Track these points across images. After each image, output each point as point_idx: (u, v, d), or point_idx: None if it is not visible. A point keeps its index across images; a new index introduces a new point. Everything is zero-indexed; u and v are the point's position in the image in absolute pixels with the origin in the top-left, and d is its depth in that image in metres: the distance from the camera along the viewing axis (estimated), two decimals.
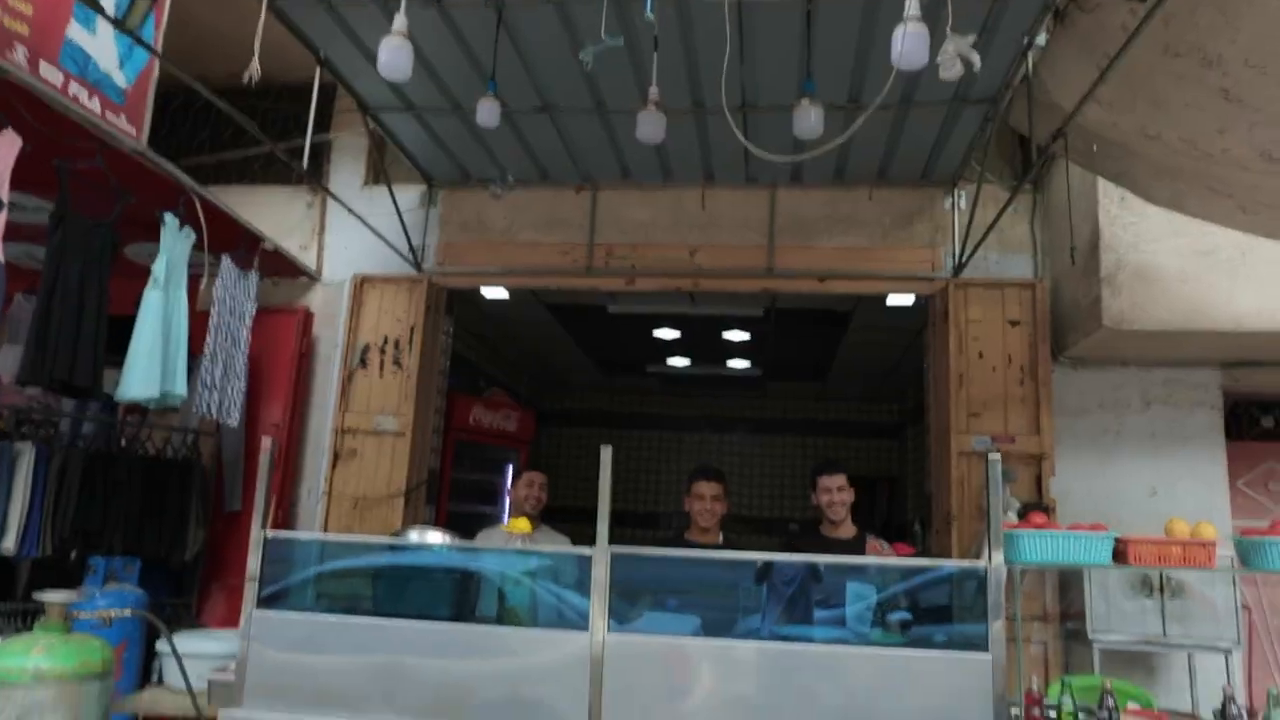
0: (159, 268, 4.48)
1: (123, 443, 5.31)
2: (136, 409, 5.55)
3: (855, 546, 4.14)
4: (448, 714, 3.08)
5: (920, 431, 6.52)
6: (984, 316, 5.12)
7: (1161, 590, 4.64)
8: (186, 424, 5.63)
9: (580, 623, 3.07)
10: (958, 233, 5.31)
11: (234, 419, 5.10)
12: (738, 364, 8.69)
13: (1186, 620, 4.59)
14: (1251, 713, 3.10)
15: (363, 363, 5.54)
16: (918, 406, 6.85)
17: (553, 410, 10.23)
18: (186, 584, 5.62)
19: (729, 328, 7.38)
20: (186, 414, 5.60)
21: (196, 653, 3.69)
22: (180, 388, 4.55)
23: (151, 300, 4.44)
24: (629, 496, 10.00)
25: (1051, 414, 5.00)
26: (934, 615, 3.24)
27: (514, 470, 4.74)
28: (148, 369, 4.33)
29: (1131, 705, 3.32)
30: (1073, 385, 5.24)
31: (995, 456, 2.79)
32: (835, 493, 4.13)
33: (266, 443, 3.26)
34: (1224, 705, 2.89)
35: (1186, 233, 4.42)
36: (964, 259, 5.09)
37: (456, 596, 3.31)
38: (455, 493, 6.28)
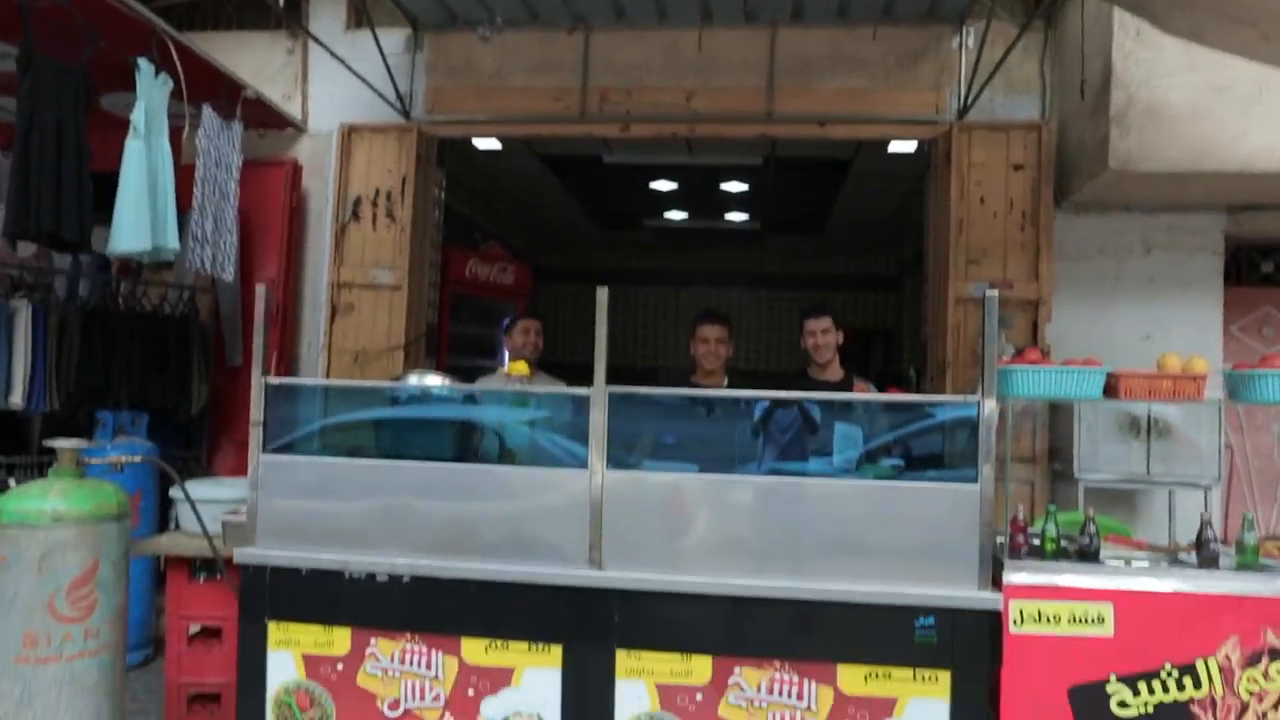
0: (137, 116, 4.34)
1: (119, 301, 5.30)
2: (130, 268, 5.52)
3: (842, 388, 4.20)
4: (452, 551, 3.21)
5: (918, 283, 6.51)
6: (987, 160, 5.01)
7: (1148, 431, 4.75)
8: (182, 281, 5.61)
9: (579, 463, 3.15)
10: (964, 73, 5.11)
11: (229, 274, 5.08)
12: (736, 217, 8.57)
13: (1170, 460, 4.72)
14: (1226, 541, 3.24)
15: (355, 215, 5.46)
16: (916, 258, 6.82)
17: (549, 267, 10.17)
18: (195, 438, 5.75)
19: (727, 179, 7.23)
20: (181, 271, 5.57)
21: (208, 498, 3.80)
22: (172, 241, 4.50)
23: (133, 150, 4.33)
24: (627, 352, 10.08)
25: (1051, 260, 4.97)
26: (926, 449, 3.32)
27: (510, 322, 4.76)
28: (136, 221, 4.27)
29: (1111, 535, 3.45)
30: (1074, 231, 5.19)
31: (992, 292, 2.79)
32: (820, 335, 4.16)
33: (261, 290, 3.25)
34: (1201, 529, 3.01)
35: (1203, 67, 4.25)
36: (969, 100, 4.93)
37: (458, 440, 3.39)
38: (454, 347, 6.32)
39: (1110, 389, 3.01)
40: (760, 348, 10.06)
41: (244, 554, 3.31)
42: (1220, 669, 2.84)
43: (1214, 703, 2.84)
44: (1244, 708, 2.83)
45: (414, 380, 3.46)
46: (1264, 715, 2.82)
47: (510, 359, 4.37)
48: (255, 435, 3.29)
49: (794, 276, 10.13)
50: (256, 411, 3.30)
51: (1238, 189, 4.72)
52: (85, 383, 4.92)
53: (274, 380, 3.32)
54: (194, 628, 4.02)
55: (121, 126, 4.36)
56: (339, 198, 5.47)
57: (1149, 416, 4.72)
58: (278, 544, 3.30)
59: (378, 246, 5.43)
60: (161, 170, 4.48)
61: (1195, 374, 2.90)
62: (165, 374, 5.35)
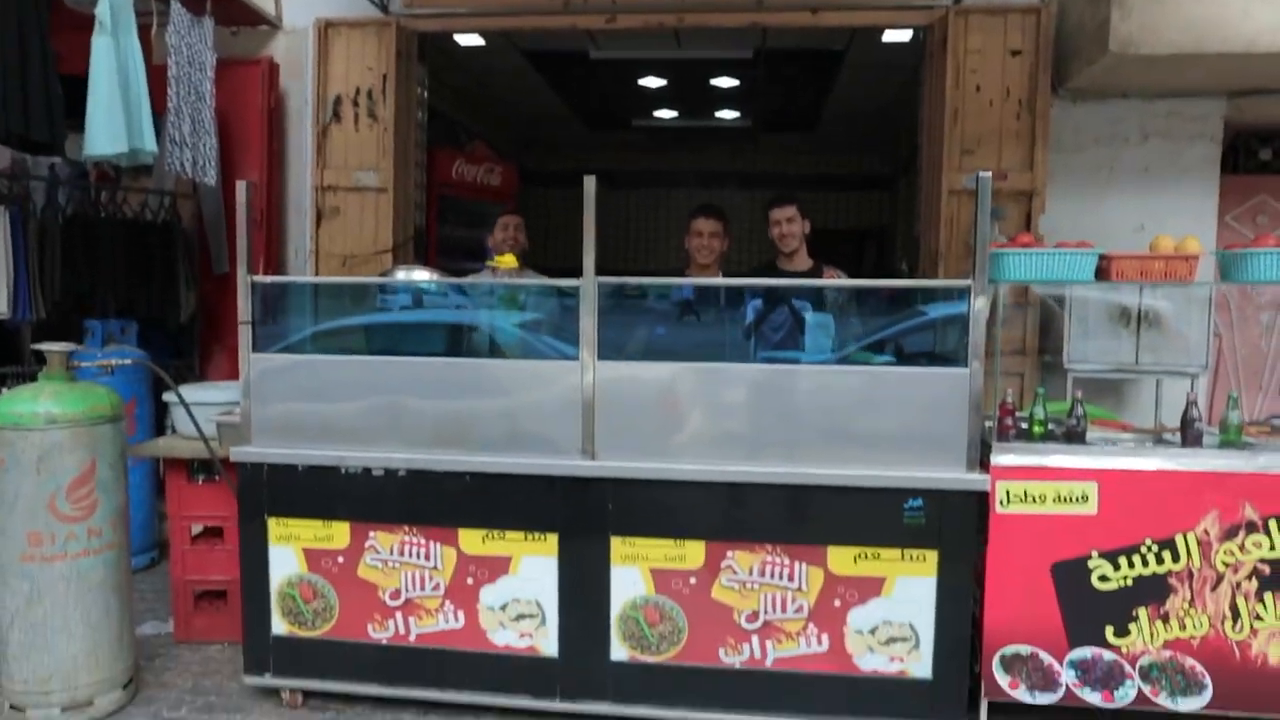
0: (102, 10, 4.18)
1: (99, 209, 5.20)
2: (109, 176, 5.40)
3: (811, 277, 4.17)
4: (446, 445, 3.24)
5: (911, 181, 6.41)
6: (984, 46, 4.86)
7: (1138, 322, 4.77)
8: (162, 186, 5.50)
9: (571, 355, 3.16)
10: None
11: (210, 177, 4.98)
12: (726, 114, 8.38)
13: (1159, 350, 4.74)
14: (1211, 425, 3.29)
15: (336, 116, 5.31)
16: (910, 156, 6.70)
17: (537, 171, 9.98)
18: (185, 346, 5.73)
19: (717, 74, 7.04)
20: (161, 176, 5.46)
21: (202, 401, 3.82)
22: (149, 144, 4.39)
23: (101, 47, 4.18)
24: (618, 255, 9.99)
25: (1047, 150, 4.88)
26: (917, 339, 3.33)
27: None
28: (110, 122, 4.15)
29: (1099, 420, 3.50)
30: (1070, 120, 5.09)
31: (985, 173, 2.74)
32: (785, 224, 4.09)
33: (241, 186, 3.18)
34: (1186, 409, 3.05)
35: None
36: None
37: (448, 335, 3.38)
38: (442, 250, 6.25)
39: (1102, 272, 3.00)
40: (753, 249, 9.94)
41: (240, 453, 3.34)
42: (1199, 543, 2.92)
43: (1190, 574, 2.93)
44: (1219, 579, 2.93)
45: (402, 275, 3.43)
46: (1238, 585, 2.92)
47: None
48: (245, 334, 3.28)
49: (786, 176, 9.96)
50: (245, 311, 3.28)
51: (1240, 72, 4.61)
52: (71, 291, 4.87)
53: (261, 278, 3.29)
54: (196, 528, 4.10)
55: (87, 25, 4.20)
56: (318, 97, 5.31)
57: (1139, 307, 4.73)
58: (273, 442, 3.33)
59: (361, 147, 5.30)
60: (132, 69, 4.34)
61: (1187, 254, 2.89)
62: (151, 282, 5.30)
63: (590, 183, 2.97)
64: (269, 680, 3.40)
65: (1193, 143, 5.06)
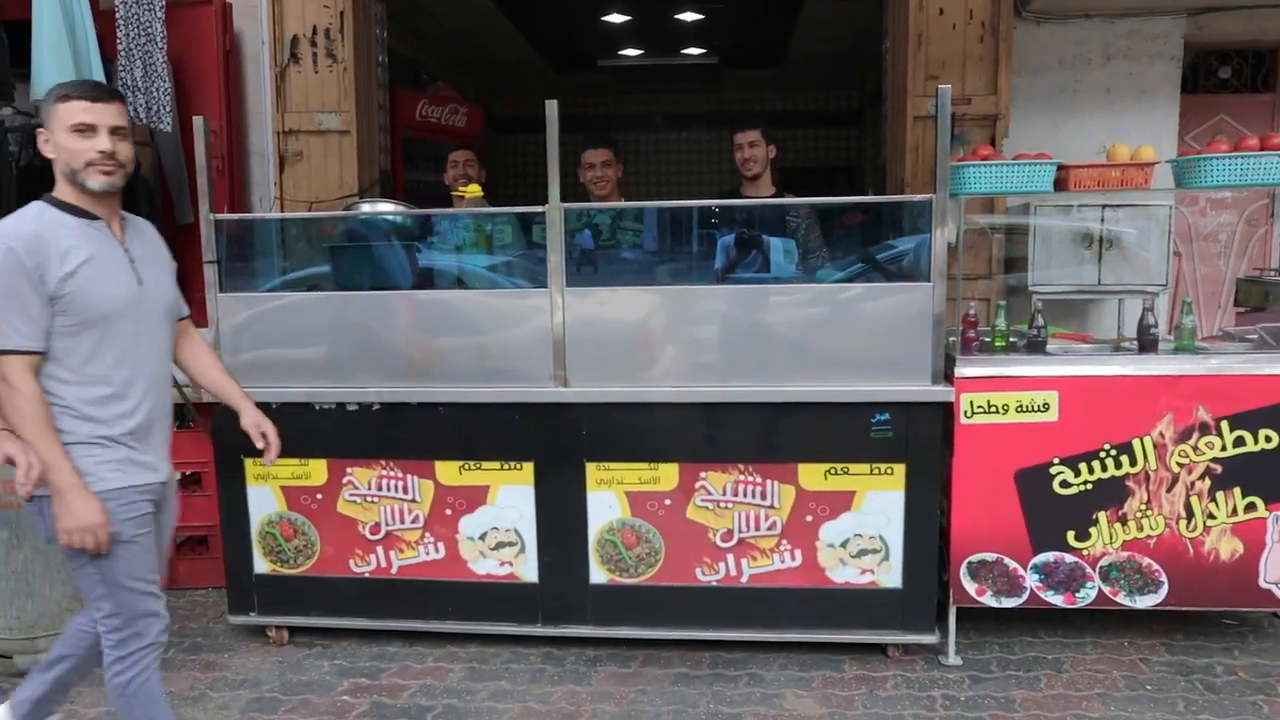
0: None
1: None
2: None
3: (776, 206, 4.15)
4: (419, 378, 3.26)
5: (879, 116, 6.40)
6: None
7: (1100, 244, 4.85)
8: None
9: (539, 284, 3.17)
10: None
11: (166, 123, 4.87)
12: (692, 51, 8.28)
13: (1120, 269, 4.85)
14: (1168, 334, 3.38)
15: (294, 57, 5.20)
16: (876, 90, 6.67)
17: (503, 117, 9.85)
18: None
19: (681, 8, 6.94)
20: None
21: None
22: None
23: None
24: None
25: (1010, 73, 4.89)
26: (881, 256, 3.37)
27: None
28: (58, 65, 4.05)
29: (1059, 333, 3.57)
30: (1034, 41, 5.10)
31: (945, 87, 2.76)
32: (747, 148, 4.02)
33: (198, 122, 3.13)
34: (1142, 316, 3.12)
35: None
36: None
37: (415, 268, 3.37)
38: (410, 195, 6.15)
39: (1060, 183, 3.04)
40: (723, 187, 9.94)
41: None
42: (1155, 445, 3.01)
43: (1147, 476, 3.03)
44: (1174, 479, 3.03)
45: (366, 208, 3.41)
46: (1191, 485, 3.02)
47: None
48: (210, 274, 3.26)
49: (755, 115, 9.89)
50: (210, 250, 3.25)
51: None
52: None
53: (223, 216, 3.26)
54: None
55: None
56: (274, 38, 5.19)
57: (1101, 229, 4.81)
58: (246, 381, 3.29)
59: (321, 89, 5.21)
60: (78, 11, 4.22)
61: (1143, 161, 2.93)
62: None
63: (552, 107, 2.95)
64: (254, 619, 3.45)
65: (1153, 62, 5.09)
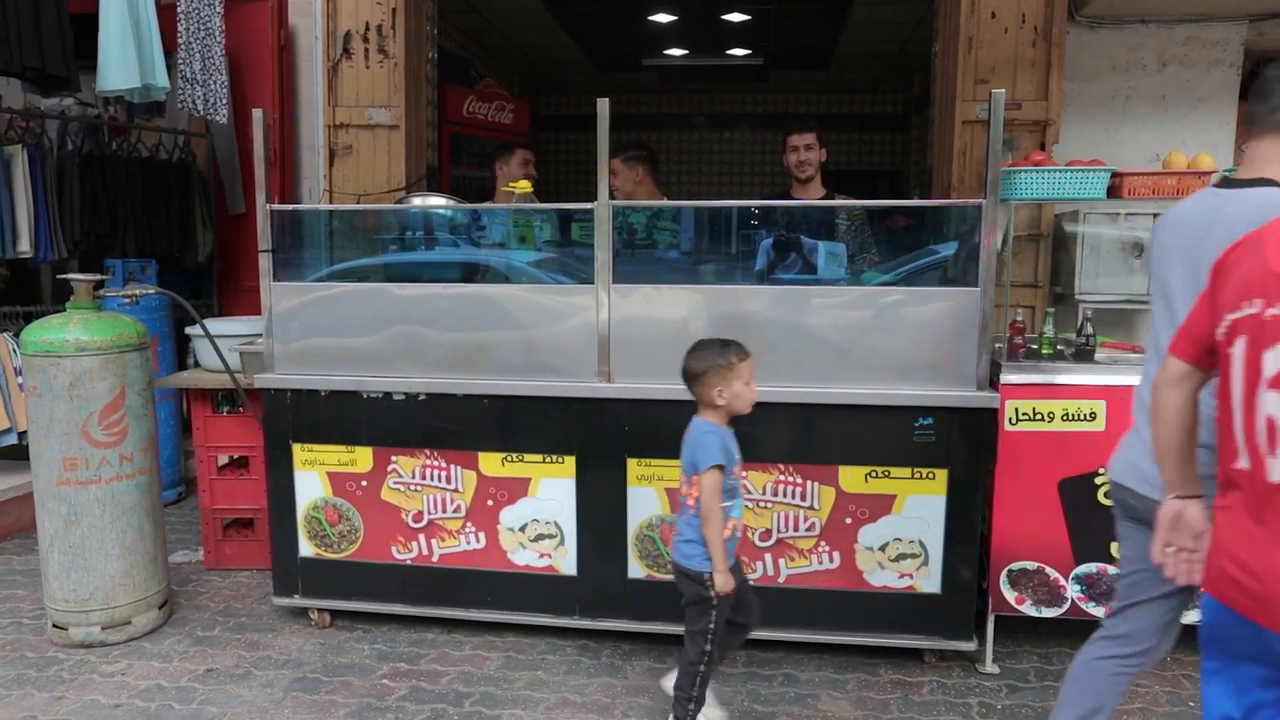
0: None
1: (112, 145, 5.24)
2: (119, 122, 5.42)
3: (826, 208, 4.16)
4: (465, 369, 3.31)
5: (924, 120, 6.36)
6: None
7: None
8: (175, 125, 5.52)
9: (586, 280, 3.20)
10: None
11: (222, 115, 5.00)
12: (738, 52, 8.27)
13: None
14: None
15: (346, 52, 5.30)
16: (923, 95, 6.63)
17: (548, 115, 9.94)
18: (204, 287, 5.81)
19: (728, 9, 6.94)
20: (174, 115, 5.48)
21: (224, 333, 3.90)
22: (161, 79, 4.42)
23: None
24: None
25: (1062, 78, 4.84)
26: (930, 262, 3.35)
27: (498, 149, 4.69)
28: (123, 56, 4.18)
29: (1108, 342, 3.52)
30: (1086, 47, 5.03)
31: (999, 91, 2.74)
32: (803, 151, 4.05)
33: (257, 114, 3.21)
34: None
35: None
36: None
37: (466, 261, 3.42)
38: (455, 189, 6.24)
39: (1114, 190, 3.00)
40: (764, 192, 9.93)
41: (265, 379, 3.42)
42: None
43: None
44: None
45: (418, 202, 3.46)
46: None
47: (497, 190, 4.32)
48: (265, 262, 3.34)
49: (799, 117, 9.86)
50: (265, 239, 3.33)
51: None
52: (90, 231, 4.93)
53: (279, 206, 3.33)
54: (222, 459, 4.21)
55: None
56: (328, 33, 5.30)
57: (1151, 239, 4.73)
58: (296, 368, 3.41)
59: (372, 84, 5.30)
60: (142, 4, 4.34)
61: (1200, 170, 2.89)
62: (169, 220, 5.36)
63: (604, 105, 2.98)
64: (298, 601, 3.53)
65: (1211, 69, 5.00)
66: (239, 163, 5.59)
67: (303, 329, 3.40)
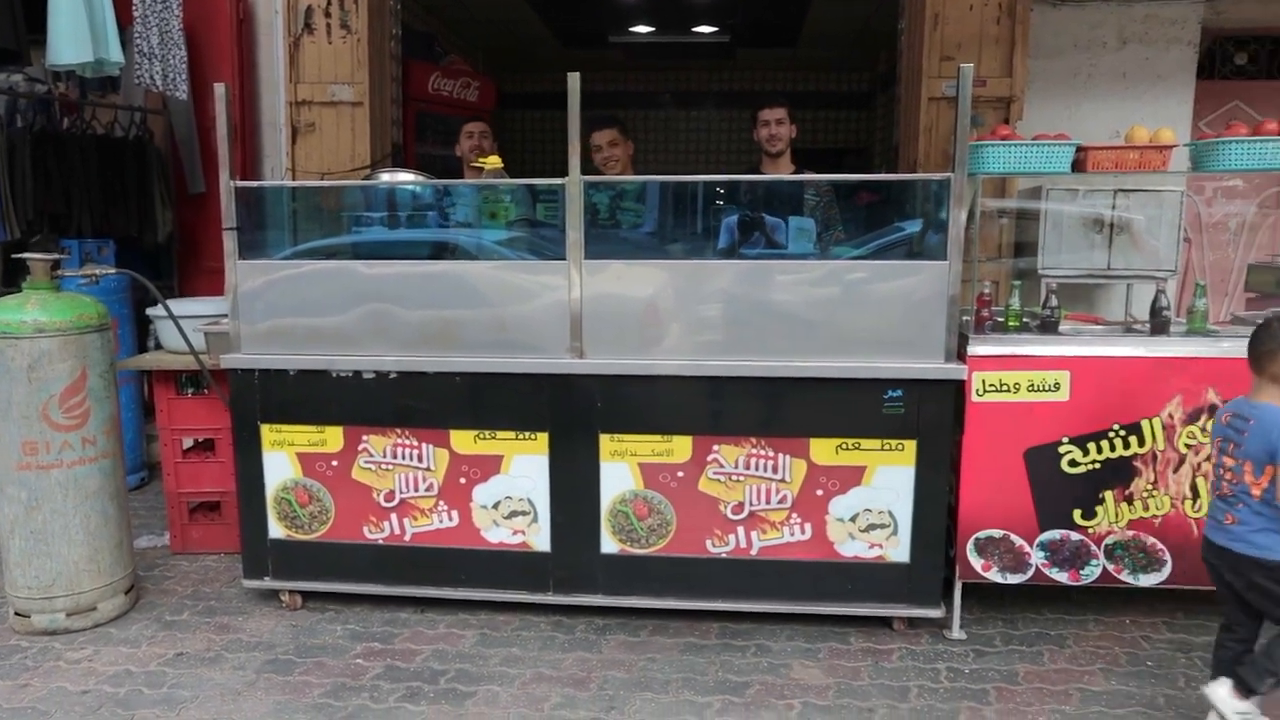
0: None
1: (64, 122, 5.09)
2: (71, 100, 5.27)
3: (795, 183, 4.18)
4: (436, 347, 3.29)
5: (890, 98, 6.39)
6: None
7: (1111, 229, 4.86)
8: (131, 102, 5.39)
9: (557, 255, 3.19)
10: None
11: (181, 91, 4.89)
12: (705, 29, 8.23)
13: (1129, 255, 4.86)
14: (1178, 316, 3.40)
15: (308, 27, 5.19)
16: (889, 73, 6.65)
17: (514, 93, 9.81)
18: (164, 268, 5.69)
19: None
20: (130, 91, 5.35)
21: (187, 314, 3.83)
22: (115, 54, 4.30)
23: None
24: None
25: (1026, 55, 4.88)
26: (897, 237, 3.38)
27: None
28: (74, 29, 4.06)
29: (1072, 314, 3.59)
30: (1049, 24, 5.09)
31: (967, 65, 2.76)
32: (774, 125, 4.06)
33: (220, 89, 3.14)
34: (1155, 299, 3.15)
35: None
36: None
37: (435, 238, 3.39)
38: (421, 167, 6.15)
39: (1078, 164, 3.05)
40: (731, 168, 9.92)
41: (231, 360, 3.37)
42: (1164, 426, 3.04)
43: (1154, 457, 3.07)
44: (1181, 460, 3.06)
45: (385, 177, 3.42)
46: (1198, 466, 3.06)
47: (466, 166, 4.26)
48: (230, 241, 3.28)
49: (765, 95, 9.86)
50: (229, 217, 3.27)
51: None
52: (44, 211, 4.80)
53: (243, 183, 3.27)
54: (188, 442, 4.15)
55: None
56: (288, 8, 5.18)
57: (1112, 214, 4.82)
58: (263, 348, 3.36)
59: (335, 60, 5.20)
60: None
61: (1162, 144, 2.94)
62: (126, 200, 5.23)
63: (574, 79, 2.96)
64: (268, 583, 3.50)
65: (1169, 47, 5.08)
66: (198, 140, 5.46)
67: (269, 308, 3.35)
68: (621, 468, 3.24)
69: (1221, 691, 2.51)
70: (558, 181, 3.08)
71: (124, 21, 4.54)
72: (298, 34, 5.21)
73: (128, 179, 5.21)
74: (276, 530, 3.46)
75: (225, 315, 3.50)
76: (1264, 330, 2.46)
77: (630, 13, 7.72)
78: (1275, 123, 2.95)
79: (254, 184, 3.45)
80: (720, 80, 10.06)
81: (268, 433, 3.40)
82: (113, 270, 3.76)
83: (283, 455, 3.41)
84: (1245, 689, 2.49)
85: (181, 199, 5.59)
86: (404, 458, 3.35)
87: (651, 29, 8.25)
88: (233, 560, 3.89)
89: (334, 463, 3.38)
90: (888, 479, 3.15)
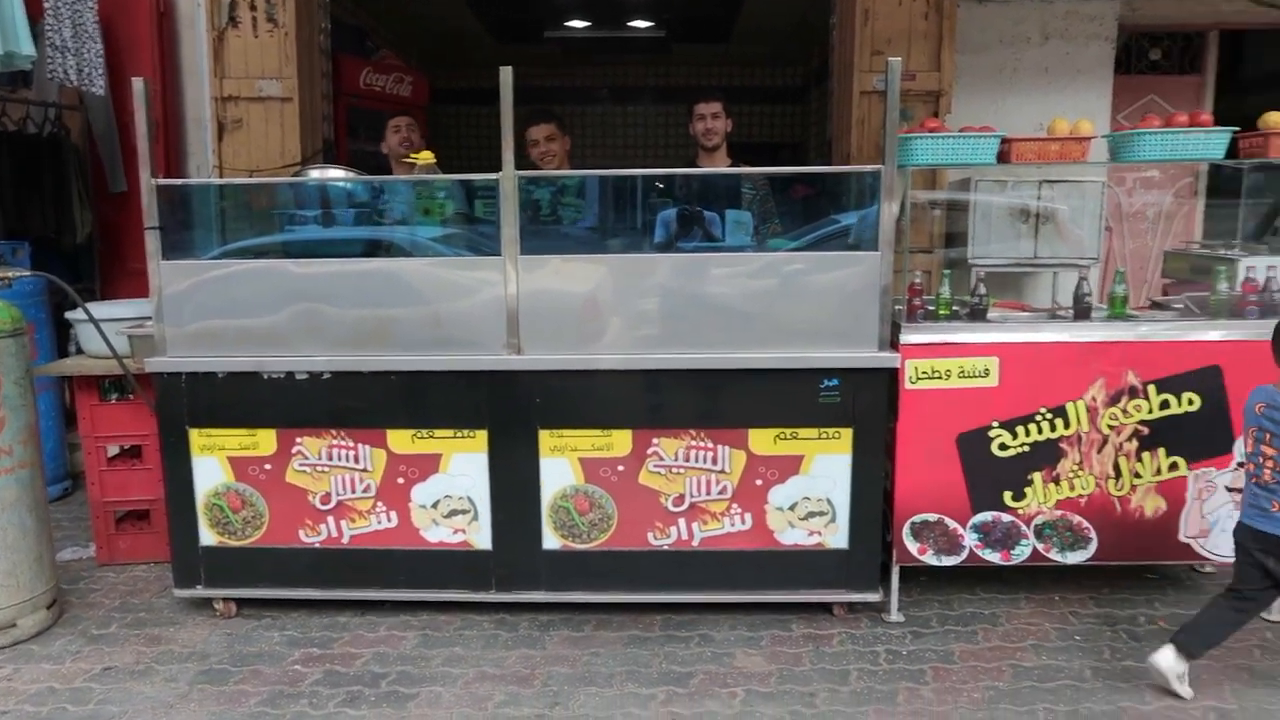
0: None
1: None
2: None
3: (731, 177, 4.22)
4: (371, 346, 3.23)
5: (824, 92, 6.48)
6: None
7: (1036, 218, 5.02)
8: (44, 98, 5.18)
9: (493, 251, 3.16)
10: None
11: (98, 86, 4.72)
12: (640, 24, 8.24)
13: (1055, 244, 5.02)
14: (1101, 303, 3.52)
15: (232, 20, 5.05)
16: (823, 67, 6.75)
17: (449, 89, 9.69)
18: (85, 270, 5.49)
19: None
20: (42, 86, 5.14)
21: (109, 316, 3.70)
22: (25, 47, 4.13)
23: None
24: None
25: (954, 50, 5.00)
26: (830, 228, 3.43)
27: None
28: None
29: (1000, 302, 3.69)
30: (975, 20, 5.22)
31: (895, 59, 2.81)
32: (710, 119, 4.10)
33: (139, 84, 3.04)
34: (1077, 285, 3.25)
35: None
36: None
37: (368, 235, 3.33)
38: (354, 164, 6.05)
39: (1003, 156, 3.13)
40: (669, 162, 9.96)
41: (156, 363, 3.26)
42: (1087, 409, 3.15)
43: (1079, 438, 3.17)
44: (1104, 441, 3.17)
45: (315, 174, 3.35)
46: (1120, 446, 3.17)
47: (394, 162, 4.19)
48: (153, 240, 3.17)
49: (701, 90, 9.92)
50: (151, 216, 3.16)
51: None
52: None
53: (165, 181, 3.17)
54: (113, 449, 4.01)
55: None
56: (212, 0, 5.04)
57: (1038, 205, 4.97)
58: (190, 351, 3.27)
59: (261, 54, 5.08)
60: None
61: (1081, 135, 3.04)
62: (42, 199, 5.03)
63: (506, 73, 2.93)
64: (201, 591, 3.40)
65: (1089, 43, 5.25)
66: (119, 137, 5.28)
67: (197, 310, 3.25)
68: (562, 463, 3.23)
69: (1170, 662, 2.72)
70: (491, 177, 3.05)
71: (34, 14, 4.36)
72: (222, 27, 5.07)
73: (43, 178, 5.01)
74: (208, 537, 3.36)
75: (150, 318, 3.39)
76: None
77: (565, 7, 7.69)
78: (1186, 116, 3.06)
79: (177, 181, 3.36)
80: (657, 76, 10.09)
81: (197, 437, 3.30)
82: (27, 273, 3.61)
83: (213, 460, 3.31)
84: (1187, 654, 2.71)
85: (102, 198, 5.40)
86: (340, 459, 3.29)
87: (587, 24, 8.23)
88: (163, 570, 3.77)
89: (267, 466, 3.30)
90: (825, 467, 3.19)
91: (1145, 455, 3.17)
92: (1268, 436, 2.60)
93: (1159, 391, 3.12)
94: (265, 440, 3.29)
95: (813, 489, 3.21)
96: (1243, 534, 2.71)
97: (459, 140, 9.92)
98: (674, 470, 3.22)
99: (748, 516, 3.24)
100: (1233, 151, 3.12)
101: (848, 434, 3.17)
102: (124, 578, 3.83)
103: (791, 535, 3.25)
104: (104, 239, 5.44)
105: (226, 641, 3.23)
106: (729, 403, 3.18)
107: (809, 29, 7.79)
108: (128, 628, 3.36)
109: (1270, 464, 2.59)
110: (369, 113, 6.17)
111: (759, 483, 3.21)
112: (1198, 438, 3.15)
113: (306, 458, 3.29)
